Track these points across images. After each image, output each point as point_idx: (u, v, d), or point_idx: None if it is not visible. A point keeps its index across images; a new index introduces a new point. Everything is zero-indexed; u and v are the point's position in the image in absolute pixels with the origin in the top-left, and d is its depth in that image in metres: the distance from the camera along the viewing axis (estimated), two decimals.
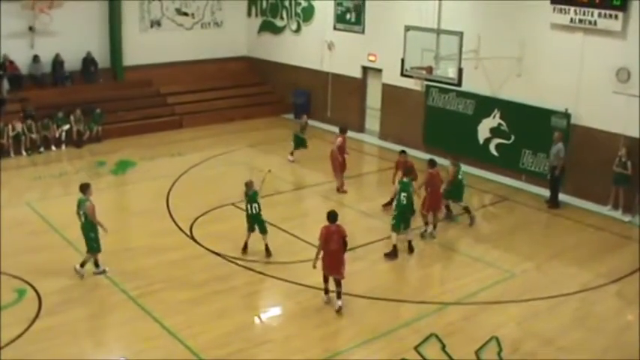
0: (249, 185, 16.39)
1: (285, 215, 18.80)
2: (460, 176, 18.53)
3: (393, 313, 13.94)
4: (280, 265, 15.84)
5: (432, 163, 17.79)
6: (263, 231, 16.40)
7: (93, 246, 15.21)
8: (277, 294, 14.93)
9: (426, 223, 17.82)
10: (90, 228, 15.11)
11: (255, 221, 16.33)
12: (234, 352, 12.35)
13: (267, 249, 16.37)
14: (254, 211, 16.23)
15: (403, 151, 19.63)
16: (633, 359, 12.41)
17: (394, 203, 17.01)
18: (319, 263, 14.00)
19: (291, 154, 23.75)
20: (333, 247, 13.88)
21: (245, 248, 16.41)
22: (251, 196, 16.23)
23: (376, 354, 12.51)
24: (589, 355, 12.58)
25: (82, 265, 15.15)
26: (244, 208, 16.41)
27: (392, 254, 16.43)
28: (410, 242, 16.76)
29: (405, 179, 16.87)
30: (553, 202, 20.01)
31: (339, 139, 20.78)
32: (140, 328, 13.20)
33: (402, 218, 16.48)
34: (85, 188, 15.22)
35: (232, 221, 18.36)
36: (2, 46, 25.67)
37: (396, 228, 16.47)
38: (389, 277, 15.77)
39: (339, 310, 13.89)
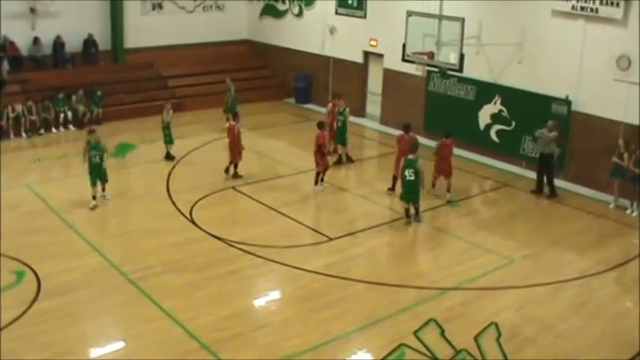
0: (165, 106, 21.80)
1: (285, 199, 18.79)
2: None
3: (391, 298, 13.92)
4: (280, 250, 15.84)
5: (446, 135, 19.38)
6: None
7: None
8: (276, 278, 14.92)
9: (433, 185, 19.34)
10: None
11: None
12: (232, 336, 12.36)
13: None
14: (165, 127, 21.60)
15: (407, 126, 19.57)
16: (631, 345, 12.44)
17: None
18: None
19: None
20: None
21: None
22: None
23: (375, 339, 12.51)
24: (588, 341, 12.62)
25: None
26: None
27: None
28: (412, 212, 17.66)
29: (410, 156, 17.41)
30: (551, 192, 19.81)
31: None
32: (139, 310, 13.22)
33: (405, 191, 17.53)
34: None
35: (232, 205, 18.37)
36: (3, 28, 25.53)
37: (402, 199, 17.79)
38: (388, 262, 15.78)
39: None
